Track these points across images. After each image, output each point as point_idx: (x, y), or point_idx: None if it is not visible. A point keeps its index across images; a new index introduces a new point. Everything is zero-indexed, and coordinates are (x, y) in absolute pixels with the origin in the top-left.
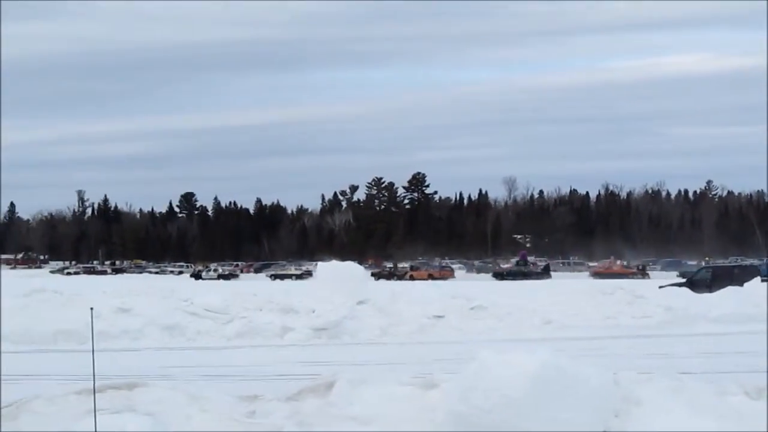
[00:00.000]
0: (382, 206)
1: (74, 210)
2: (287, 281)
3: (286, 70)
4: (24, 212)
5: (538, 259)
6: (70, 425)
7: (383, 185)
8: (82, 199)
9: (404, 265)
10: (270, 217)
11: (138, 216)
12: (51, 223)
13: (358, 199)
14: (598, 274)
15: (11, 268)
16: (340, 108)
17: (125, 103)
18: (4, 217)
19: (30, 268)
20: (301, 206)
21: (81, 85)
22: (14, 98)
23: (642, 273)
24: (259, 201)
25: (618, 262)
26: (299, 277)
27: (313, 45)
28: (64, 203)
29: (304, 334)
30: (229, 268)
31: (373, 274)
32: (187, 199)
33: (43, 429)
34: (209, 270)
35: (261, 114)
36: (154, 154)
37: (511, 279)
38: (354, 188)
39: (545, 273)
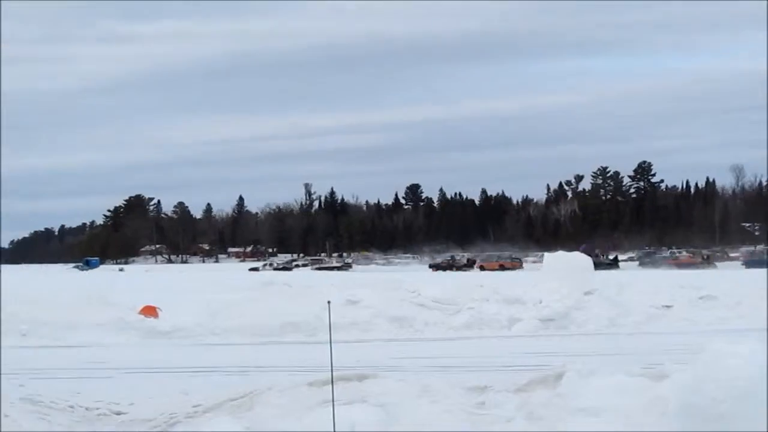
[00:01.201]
0: (608, 196)
1: (302, 203)
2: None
3: (509, 61)
4: (252, 206)
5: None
6: (303, 416)
7: (608, 174)
8: (309, 192)
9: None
10: (495, 207)
11: (364, 208)
12: (279, 216)
13: (584, 189)
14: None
15: (240, 261)
16: (565, 98)
17: (353, 96)
18: (234, 211)
19: (258, 260)
20: (527, 196)
21: (309, 80)
22: (246, 94)
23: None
24: (484, 192)
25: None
26: (340, 269)
27: (536, 36)
28: (291, 196)
29: (532, 324)
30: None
31: (430, 266)
32: (413, 190)
33: (277, 419)
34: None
35: (485, 105)
36: (381, 147)
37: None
38: (579, 178)
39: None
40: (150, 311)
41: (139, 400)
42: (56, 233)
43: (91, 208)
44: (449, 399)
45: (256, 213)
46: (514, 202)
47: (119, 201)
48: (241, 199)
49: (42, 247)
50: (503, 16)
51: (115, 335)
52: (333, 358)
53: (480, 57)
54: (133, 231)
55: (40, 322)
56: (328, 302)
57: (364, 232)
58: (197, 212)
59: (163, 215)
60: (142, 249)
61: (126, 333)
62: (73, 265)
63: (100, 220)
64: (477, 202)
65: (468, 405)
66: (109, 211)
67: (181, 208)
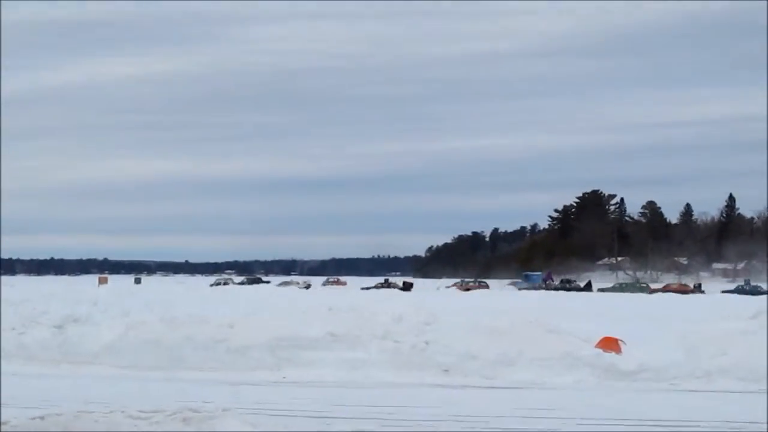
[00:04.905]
0: None
1: None
2: None
3: None
4: (746, 208)
5: None
6: None
7: None
8: None
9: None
10: None
11: None
12: None
13: None
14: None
15: (729, 281)
16: None
17: None
18: (721, 214)
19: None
20: None
21: None
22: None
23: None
24: None
25: None
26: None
27: None
28: None
29: None
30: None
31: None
32: None
33: None
34: None
35: None
36: None
37: None
38: None
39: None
40: (611, 344)
41: None
42: (487, 238)
43: (532, 207)
44: None
45: (752, 218)
46: None
47: (570, 198)
48: (731, 198)
49: (467, 256)
50: None
51: (562, 374)
52: None
53: None
54: (588, 237)
55: (468, 355)
56: None
57: None
58: (672, 215)
59: (627, 218)
60: (600, 262)
61: (577, 371)
62: (509, 281)
63: (543, 223)
64: None
65: None
66: (556, 211)
67: (651, 208)
